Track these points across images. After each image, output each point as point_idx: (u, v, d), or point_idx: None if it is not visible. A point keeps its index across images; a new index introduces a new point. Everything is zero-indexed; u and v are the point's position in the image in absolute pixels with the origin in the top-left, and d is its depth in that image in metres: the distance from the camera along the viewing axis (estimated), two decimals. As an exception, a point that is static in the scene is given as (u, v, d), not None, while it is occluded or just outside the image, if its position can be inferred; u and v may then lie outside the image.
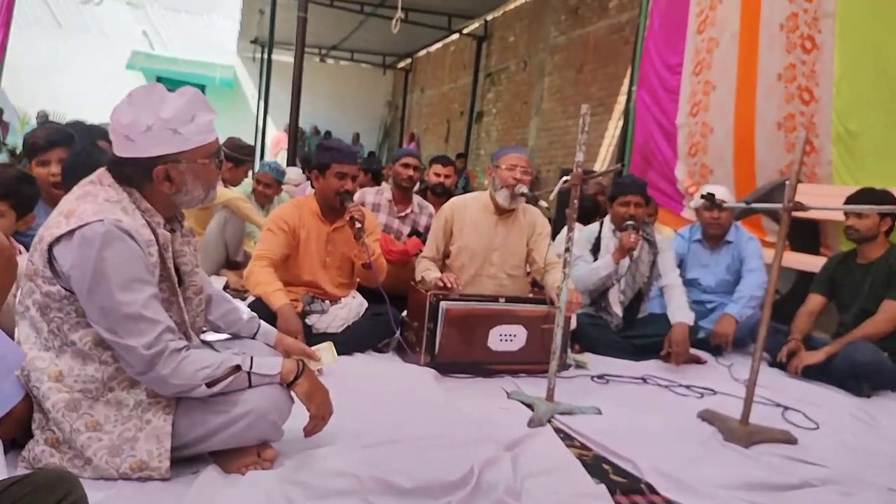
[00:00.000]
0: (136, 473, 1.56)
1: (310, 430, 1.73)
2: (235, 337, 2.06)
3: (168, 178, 1.59)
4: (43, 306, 1.54)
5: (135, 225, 1.54)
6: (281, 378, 1.67)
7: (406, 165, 4.03)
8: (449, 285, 2.90)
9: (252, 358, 1.65)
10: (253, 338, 2.08)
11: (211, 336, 2.03)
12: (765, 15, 4.74)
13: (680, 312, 3.36)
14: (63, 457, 1.54)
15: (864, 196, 3.20)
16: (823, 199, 3.94)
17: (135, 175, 1.59)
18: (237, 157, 4.64)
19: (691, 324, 3.34)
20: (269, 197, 4.88)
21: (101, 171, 1.63)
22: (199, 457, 1.70)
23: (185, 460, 1.66)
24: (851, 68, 4.14)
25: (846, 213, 3.34)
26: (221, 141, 1.83)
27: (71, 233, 1.48)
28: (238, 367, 1.61)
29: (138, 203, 1.60)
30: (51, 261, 1.52)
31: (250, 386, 1.64)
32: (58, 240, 1.49)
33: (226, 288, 4.10)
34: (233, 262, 4.47)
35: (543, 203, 3.05)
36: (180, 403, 1.61)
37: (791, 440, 2.39)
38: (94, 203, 1.52)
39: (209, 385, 1.57)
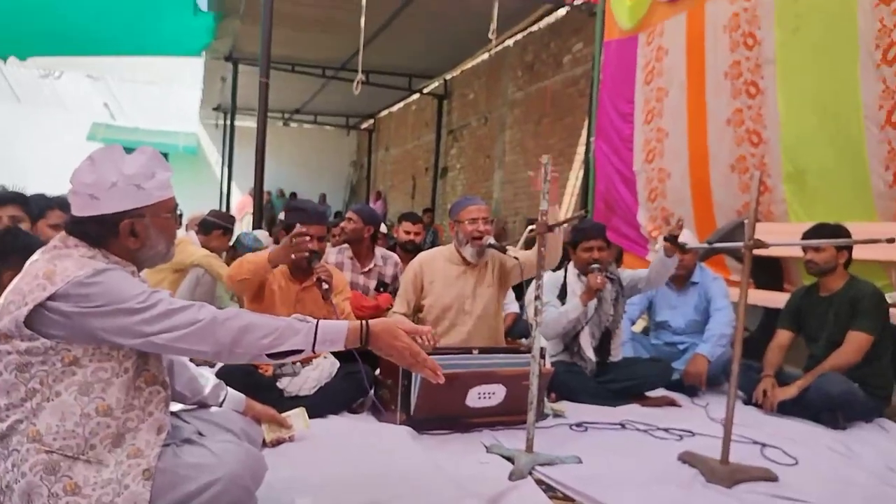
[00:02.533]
0: (110, 540, 1.49)
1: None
2: (201, 406, 2.00)
3: (133, 233, 1.61)
4: (21, 365, 1.51)
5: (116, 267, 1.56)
6: (345, 346, 1.60)
7: (348, 219, 4.09)
8: (425, 343, 2.87)
9: (317, 326, 1.58)
10: (220, 405, 2.03)
11: (175, 406, 1.97)
12: (709, 64, 4.96)
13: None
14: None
15: (820, 231, 3.30)
16: (782, 237, 4.05)
17: (99, 233, 1.60)
18: (225, 224, 4.74)
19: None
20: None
21: (62, 234, 1.63)
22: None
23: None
24: (795, 110, 4.33)
25: (804, 249, 3.42)
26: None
27: (63, 286, 1.48)
28: (299, 349, 1.56)
29: (108, 258, 1.61)
30: (32, 319, 1.49)
31: (314, 355, 1.59)
32: (50, 297, 1.48)
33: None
34: None
35: (511, 252, 3.07)
36: (157, 469, 1.56)
37: (772, 477, 2.39)
38: (71, 260, 1.54)
39: (271, 356, 1.55)
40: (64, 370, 1.52)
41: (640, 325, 4.46)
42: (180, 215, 1.73)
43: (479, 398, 2.80)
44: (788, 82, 4.36)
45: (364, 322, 1.61)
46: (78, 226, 1.61)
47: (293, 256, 2.83)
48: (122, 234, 1.60)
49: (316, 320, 1.59)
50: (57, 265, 1.52)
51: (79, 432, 1.51)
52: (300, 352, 1.58)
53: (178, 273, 4.35)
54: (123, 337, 1.51)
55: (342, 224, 4.16)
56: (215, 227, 4.71)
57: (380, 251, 4.20)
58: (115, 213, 1.59)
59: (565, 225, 5.19)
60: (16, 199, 2.70)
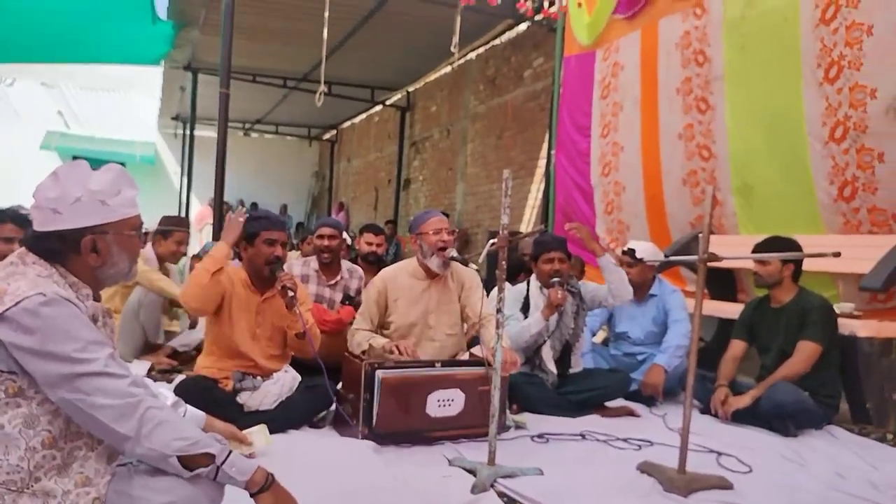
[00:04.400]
0: (59, 574, 1.45)
1: None
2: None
3: (95, 250, 1.58)
4: None
5: (71, 297, 1.51)
6: (246, 486, 1.60)
7: (321, 237, 4.02)
8: (403, 353, 2.89)
9: (230, 453, 1.58)
10: None
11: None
12: (662, 80, 5.10)
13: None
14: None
15: (770, 244, 3.40)
16: (735, 249, 4.17)
17: (60, 249, 1.57)
18: (170, 228, 4.35)
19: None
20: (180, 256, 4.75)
21: (21, 250, 1.59)
22: (125, 554, 1.59)
23: (109, 559, 1.55)
24: (742, 126, 4.48)
25: (753, 262, 3.53)
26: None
27: (8, 309, 1.43)
28: (211, 457, 1.54)
29: (66, 277, 1.57)
30: None
31: (214, 479, 1.56)
32: None
33: (150, 372, 3.93)
34: (152, 346, 4.25)
35: (473, 266, 3.11)
36: (107, 494, 1.52)
37: (727, 485, 2.45)
38: (25, 280, 1.49)
39: (179, 460, 1.50)
40: (7, 401, 1.46)
41: (600, 336, 4.53)
42: (146, 234, 1.70)
43: (439, 405, 2.81)
44: (736, 98, 4.51)
45: (271, 475, 1.62)
46: (38, 241, 1.57)
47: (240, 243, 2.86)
48: (83, 250, 1.57)
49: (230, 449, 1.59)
50: (10, 284, 1.47)
51: (23, 466, 1.46)
52: (206, 466, 1.53)
53: (128, 288, 4.16)
54: (49, 382, 1.44)
55: (326, 243, 4.00)
56: (163, 233, 4.34)
57: (345, 264, 4.19)
58: (77, 229, 1.56)
59: (526, 239, 5.26)
60: (8, 217, 2.61)
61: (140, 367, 3.91)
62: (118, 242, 1.61)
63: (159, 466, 1.54)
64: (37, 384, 1.46)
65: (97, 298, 1.70)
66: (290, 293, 2.81)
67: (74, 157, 14.91)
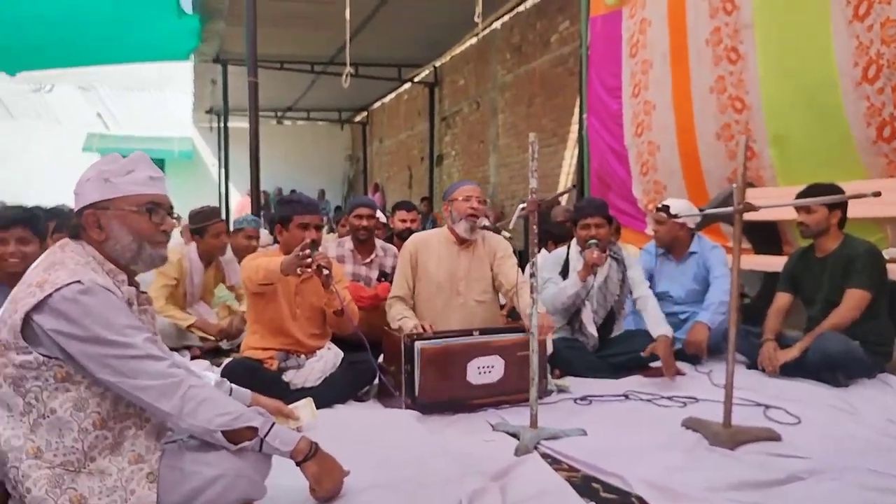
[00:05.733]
0: (121, 546, 1.52)
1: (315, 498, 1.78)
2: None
3: (98, 226, 1.65)
4: (17, 379, 1.53)
5: (108, 284, 1.58)
6: (291, 455, 1.68)
7: (359, 216, 4.06)
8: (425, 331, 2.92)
9: (273, 425, 1.66)
10: None
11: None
12: (691, 32, 4.96)
13: (659, 326, 3.38)
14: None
15: (813, 191, 3.30)
16: (773, 201, 4.05)
17: (76, 228, 1.66)
18: (203, 225, 4.30)
19: (671, 335, 3.37)
20: (253, 250, 4.76)
21: (63, 240, 1.68)
22: (182, 526, 1.66)
23: (169, 531, 1.62)
24: (775, 73, 4.33)
25: (797, 211, 3.43)
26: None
27: (49, 296, 1.50)
28: (255, 430, 1.63)
29: (103, 265, 1.64)
30: (24, 330, 1.52)
31: (259, 451, 1.65)
32: (37, 307, 1.50)
33: (194, 359, 4.02)
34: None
35: (506, 233, 3.10)
36: (159, 470, 1.59)
37: (775, 437, 2.42)
38: (64, 269, 1.56)
39: (224, 434, 1.59)
40: (57, 386, 1.53)
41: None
42: (177, 217, 1.75)
43: (480, 373, 2.83)
44: (767, 46, 4.36)
45: (315, 444, 1.72)
46: (69, 225, 1.69)
47: (298, 272, 2.78)
48: (85, 224, 1.64)
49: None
50: (50, 275, 1.54)
51: (78, 447, 1.54)
52: (250, 439, 1.62)
53: (169, 288, 4.16)
54: (92, 365, 1.52)
55: (364, 223, 4.04)
56: (206, 227, 4.28)
57: (379, 243, 4.23)
58: (84, 206, 1.65)
59: (561, 201, 5.20)
60: (24, 219, 2.70)
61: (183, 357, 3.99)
62: (118, 217, 1.65)
63: (206, 440, 1.60)
64: (83, 368, 1.53)
65: (137, 286, 1.76)
66: (326, 272, 2.85)
67: (115, 157, 15.31)
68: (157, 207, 1.70)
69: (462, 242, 3.28)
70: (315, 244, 2.97)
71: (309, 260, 2.71)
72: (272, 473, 1.74)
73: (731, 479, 2.02)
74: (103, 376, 1.53)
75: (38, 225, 2.72)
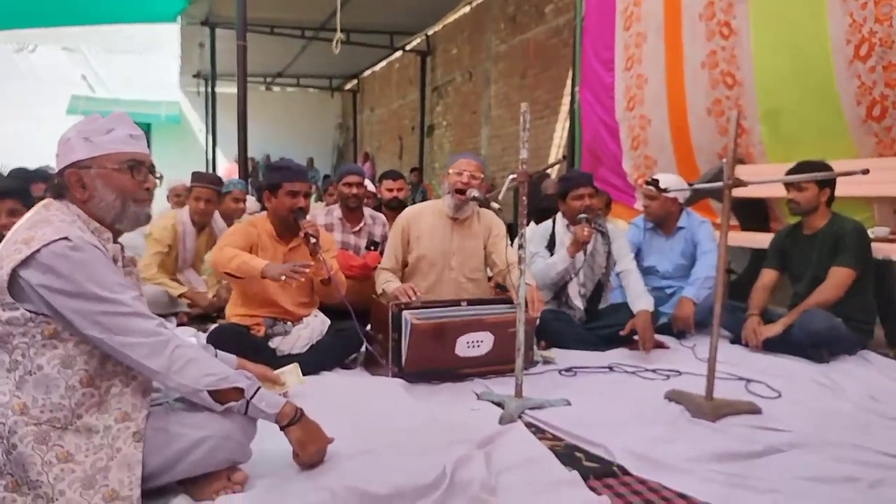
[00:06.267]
0: (105, 505, 1.53)
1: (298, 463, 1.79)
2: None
3: (82, 185, 1.63)
4: (4, 335, 1.52)
5: (94, 241, 1.57)
6: (276, 419, 1.69)
7: (348, 185, 4.03)
8: (407, 299, 2.91)
9: (259, 388, 1.68)
10: None
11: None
12: (685, 6, 4.92)
13: (640, 300, 3.41)
14: (25, 500, 1.50)
15: (803, 169, 3.30)
16: (763, 177, 4.06)
17: (59, 188, 1.65)
18: (193, 185, 4.31)
19: (652, 310, 3.40)
20: (241, 212, 4.79)
21: (46, 200, 1.66)
22: (168, 488, 1.67)
23: (153, 492, 1.63)
24: (768, 49, 4.31)
25: (787, 189, 3.44)
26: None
27: (37, 252, 1.49)
28: (241, 392, 1.64)
29: (88, 223, 1.63)
30: (11, 286, 1.51)
31: (245, 413, 1.66)
32: (24, 262, 1.49)
33: (181, 325, 4.03)
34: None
35: (495, 205, 3.07)
36: (146, 430, 1.59)
37: (756, 410, 2.45)
38: (50, 226, 1.54)
39: (210, 395, 1.61)
40: (45, 343, 1.53)
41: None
42: (160, 177, 1.72)
43: (468, 347, 2.83)
44: (761, 21, 4.33)
45: (300, 409, 1.74)
46: (51, 185, 1.67)
47: (283, 279, 2.68)
48: (68, 184, 1.63)
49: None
50: (36, 232, 1.53)
51: (65, 404, 1.54)
52: (236, 400, 1.64)
53: (161, 255, 4.21)
54: (81, 321, 1.51)
55: (354, 191, 4.01)
56: (192, 188, 4.31)
57: (367, 211, 4.21)
58: (66, 165, 1.63)
59: (551, 173, 5.18)
60: (15, 192, 2.68)
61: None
62: (101, 176, 1.64)
63: (192, 400, 1.60)
64: (71, 326, 1.52)
65: (122, 246, 1.75)
66: (314, 240, 2.84)
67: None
68: (139, 165, 1.68)
69: (455, 218, 3.26)
70: (302, 212, 2.95)
71: (299, 273, 2.67)
72: (256, 437, 1.75)
73: (712, 451, 2.05)
74: (91, 333, 1.52)
75: (29, 197, 2.69)
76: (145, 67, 17.97)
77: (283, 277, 2.64)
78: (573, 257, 3.46)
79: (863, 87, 3.73)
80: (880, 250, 3.41)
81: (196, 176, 4.42)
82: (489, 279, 3.55)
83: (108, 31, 14.91)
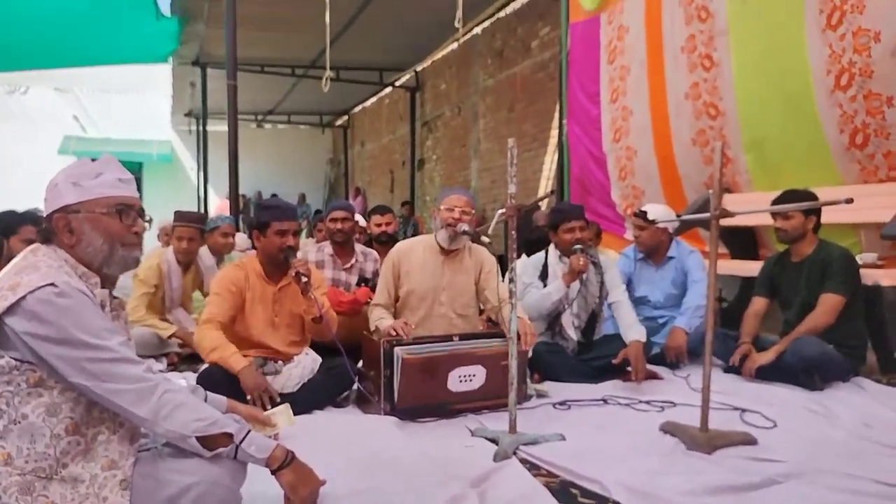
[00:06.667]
0: (93, 556, 1.49)
1: None
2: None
3: (69, 230, 1.63)
4: None
5: (81, 287, 1.56)
6: (266, 463, 1.66)
7: (334, 220, 4.05)
8: (401, 334, 2.89)
9: (249, 432, 1.65)
10: None
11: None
12: (666, 39, 5.02)
13: (632, 330, 3.41)
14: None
15: (787, 197, 3.33)
16: (749, 206, 4.11)
17: (47, 232, 1.64)
18: (176, 224, 4.27)
19: (644, 340, 3.40)
20: (230, 247, 4.78)
21: (34, 245, 1.65)
22: (156, 536, 1.64)
23: (141, 541, 1.59)
24: (748, 80, 4.40)
25: (774, 217, 3.47)
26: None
27: (23, 299, 1.47)
28: (230, 437, 1.61)
29: (75, 268, 1.62)
30: None
31: (234, 458, 1.63)
32: (9, 309, 1.47)
33: (171, 365, 4.00)
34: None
35: (485, 239, 3.08)
36: (133, 477, 1.57)
37: (751, 441, 2.44)
38: (37, 272, 1.53)
39: (199, 440, 1.57)
40: (30, 391, 1.51)
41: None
42: (149, 220, 1.73)
43: (461, 381, 2.82)
44: (741, 52, 4.43)
45: (291, 452, 1.70)
46: (39, 230, 1.67)
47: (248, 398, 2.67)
48: (56, 229, 1.62)
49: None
50: (22, 278, 1.51)
51: (50, 453, 1.51)
52: (226, 445, 1.60)
53: (149, 296, 4.18)
54: (66, 368, 1.49)
55: (339, 225, 4.04)
56: (175, 227, 4.27)
57: (359, 247, 4.22)
58: (54, 210, 1.62)
59: (542, 206, 5.22)
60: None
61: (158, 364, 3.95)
62: (89, 220, 1.63)
63: (180, 446, 1.58)
64: (56, 373, 1.50)
65: (111, 290, 1.74)
66: (304, 279, 2.84)
67: (93, 160, 15.14)
68: (128, 209, 1.68)
69: (447, 252, 3.26)
70: (292, 250, 2.95)
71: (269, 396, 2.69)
72: (246, 481, 1.72)
73: (709, 483, 2.04)
74: (77, 380, 1.50)
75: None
76: (137, 107, 18.11)
77: (249, 398, 2.65)
78: (569, 286, 3.47)
79: (845, 116, 3.80)
80: (869, 276, 3.44)
81: (178, 215, 4.34)
82: (480, 313, 3.54)
83: (100, 71, 15.05)
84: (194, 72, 12.16)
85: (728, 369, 3.50)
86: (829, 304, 3.26)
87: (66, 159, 15.93)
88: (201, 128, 13.61)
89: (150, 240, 4.61)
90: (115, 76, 16.22)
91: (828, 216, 3.48)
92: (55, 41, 8.75)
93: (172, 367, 4.00)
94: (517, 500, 1.92)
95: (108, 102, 18.12)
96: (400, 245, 3.41)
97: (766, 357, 3.29)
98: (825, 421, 2.73)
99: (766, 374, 3.29)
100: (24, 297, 1.47)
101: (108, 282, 1.71)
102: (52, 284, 1.50)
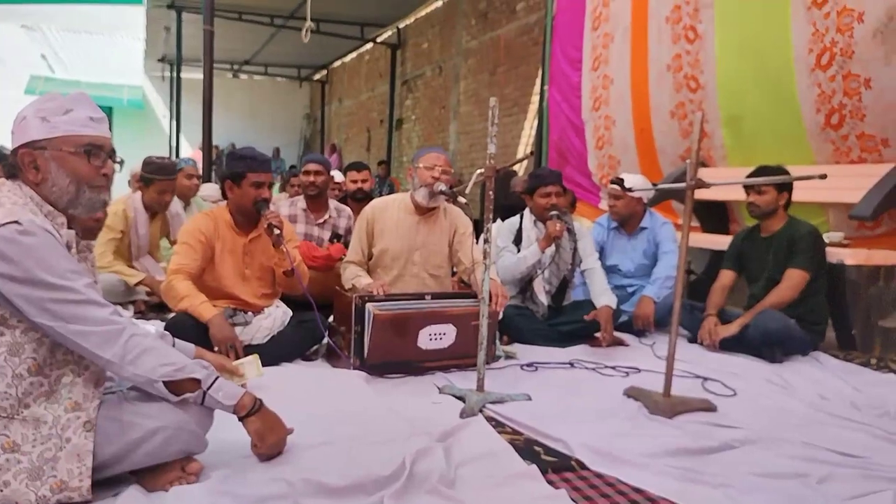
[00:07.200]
0: (55, 496, 1.48)
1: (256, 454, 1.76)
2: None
3: (35, 167, 1.58)
4: None
5: (47, 226, 1.52)
6: (234, 410, 1.66)
7: (307, 172, 4.00)
8: (378, 294, 2.89)
9: (216, 378, 1.64)
10: None
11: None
12: (652, 9, 4.99)
13: (603, 297, 3.46)
14: (-32, 491, 1.45)
15: (763, 173, 3.37)
16: (723, 180, 4.14)
17: (12, 168, 1.59)
18: (152, 177, 4.10)
19: (614, 307, 3.45)
20: (195, 189, 4.75)
21: (0, 179, 1.60)
22: (120, 478, 1.63)
23: (105, 482, 1.59)
24: (731, 55, 4.40)
25: (747, 192, 3.51)
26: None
27: None
28: (198, 382, 1.60)
29: (41, 206, 1.57)
30: None
31: (202, 404, 1.62)
32: None
33: (139, 313, 3.95)
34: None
35: (462, 199, 3.07)
36: (97, 419, 1.55)
37: (711, 408, 2.50)
38: (1, 208, 1.49)
39: (166, 385, 1.57)
40: None
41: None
42: (120, 162, 1.67)
43: (431, 339, 2.83)
44: (725, 27, 4.42)
45: (259, 400, 1.71)
46: (5, 165, 1.61)
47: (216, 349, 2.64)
48: (23, 165, 1.57)
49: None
50: None
51: (11, 393, 1.49)
52: (193, 391, 1.60)
53: (116, 242, 4.07)
54: (30, 308, 1.46)
55: (311, 178, 3.98)
56: (153, 181, 4.10)
57: (332, 203, 4.17)
58: (20, 145, 1.57)
59: (519, 170, 5.19)
60: None
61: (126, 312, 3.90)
62: (56, 159, 1.58)
63: (147, 390, 1.57)
64: (19, 312, 1.47)
65: (78, 231, 1.70)
66: (277, 231, 2.80)
67: (61, 102, 14.71)
68: (98, 150, 1.62)
69: (422, 212, 3.24)
70: (266, 202, 2.91)
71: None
72: (213, 427, 1.72)
73: (669, 447, 2.09)
74: (41, 320, 1.48)
75: None
76: (108, 49, 17.58)
77: (216, 349, 2.63)
78: (544, 252, 3.48)
79: (822, 96, 3.83)
80: (834, 254, 3.51)
81: (156, 167, 4.13)
82: (453, 275, 3.55)
83: (70, 10, 14.50)
84: (169, 15, 11.81)
85: (693, 339, 3.57)
86: (793, 280, 3.33)
87: (32, 99, 15.45)
88: (175, 74, 13.26)
89: (121, 185, 4.52)
90: (87, 15, 15.64)
91: (798, 195, 3.53)
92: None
93: (140, 314, 3.95)
94: (482, 455, 1.94)
95: (79, 43, 17.55)
96: (374, 202, 3.37)
97: (730, 329, 3.36)
98: (783, 392, 2.80)
99: (728, 346, 3.36)
100: None
101: (77, 224, 1.67)
102: (16, 222, 1.46)
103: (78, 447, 1.51)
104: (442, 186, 3.10)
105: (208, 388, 1.62)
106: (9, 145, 1.65)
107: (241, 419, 1.69)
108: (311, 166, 4.00)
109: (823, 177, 2.21)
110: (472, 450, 1.98)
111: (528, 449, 2.07)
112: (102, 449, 1.54)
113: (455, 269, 3.47)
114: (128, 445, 1.56)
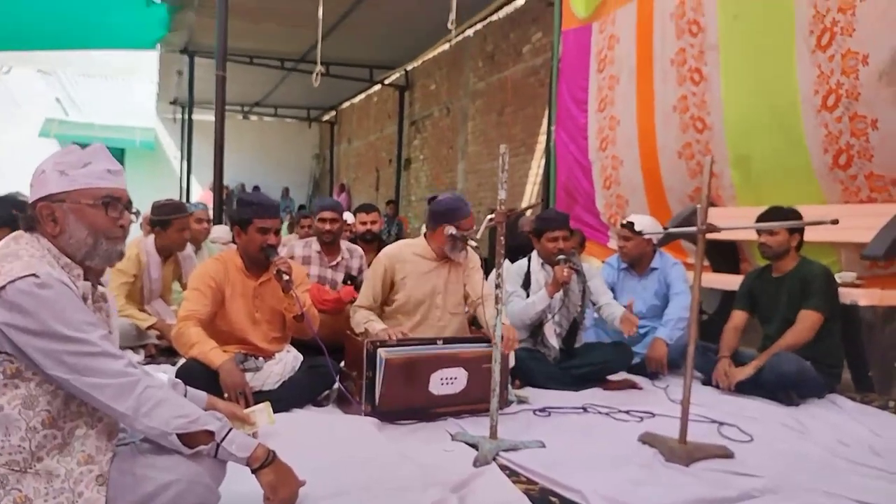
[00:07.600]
0: (66, 552, 1.47)
1: None
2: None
3: (53, 219, 1.59)
4: None
5: (63, 278, 1.52)
6: (247, 462, 1.64)
7: (322, 220, 4.03)
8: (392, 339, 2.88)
9: (230, 430, 1.62)
10: None
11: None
12: (657, 51, 5.05)
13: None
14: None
15: (773, 214, 3.38)
16: (734, 221, 4.14)
17: (30, 221, 1.61)
18: (168, 218, 4.13)
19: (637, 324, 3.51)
20: (206, 233, 4.78)
21: (17, 232, 1.61)
22: (131, 532, 1.61)
23: (116, 537, 1.57)
24: (736, 96, 4.44)
25: (759, 232, 3.51)
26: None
27: (3, 288, 1.44)
28: (211, 434, 1.59)
29: (58, 259, 1.58)
30: None
31: (215, 456, 1.60)
32: None
33: (149, 357, 3.95)
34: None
35: (473, 243, 3.09)
36: (110, 472, 1.54)
37: (728, 454, 2.46)
38: (19, 261, 1.50)
39: (179, 437, 1.54)
40: (6, 382, 1.48)
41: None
42: (136, 213, 1.70)
43: (442, 384, 2.81)
44: (730, 68, 4.46)
45: (272, 451, 1.68)
46: (23, 217, 1.62)
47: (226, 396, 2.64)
48: (39, 218, 1.59)
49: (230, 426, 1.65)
50: (4, 267, 1.48)
51: (25, 446, 1.48)
52: (206, 443, 1.58)
53: (129, 286, 4.08)
54: (46, 361, 1.46)
55: (327, 227, 4.01)
56: (171, 221, 4.10)
57: (344, 244, 4.20)
58: (39, 198, 1.59)
59: (528, 213, 5.23)
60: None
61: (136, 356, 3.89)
62: (74, 211, 1.60)
63: (160, 443, 1.55)
64: (34, 365, 1.48)
65: (95, 282, 1.71)
66: (286, 277, 2.81)
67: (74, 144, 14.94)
68: (115, 201, 1.64)
69: (440, 257, 3.24)
70: (273, 248, 2.92)
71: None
72: (225, 479, 1.70)
73: (686, 496, 2.05)
74: (56, 373, 1.47)
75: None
76: (121, 92, 17.90)
77: (226, 396, 2.62)
78: (552, 297, 3.47)
79: (830, 136, 3.85)
80: (847, 295, 3.48)
81: (170, 208, 4.16)
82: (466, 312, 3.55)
83: (85, 55, 14.82)
84: (182, 60, 12.04)
85: (706, 382, 3.53)
86: (808, 321, 3.30)
87: (47, 142, 15.70)
88: (186, 116, 13.47)
89: (134, 229, 4.55)
90: (101, 60, 15.97)
91: (810, 234, 3.52)
92: (42, 22, 8.62)
93: (150, 358, 3.95)
94: (497, 506, 1.92)
95: (92, 86, 17.88)
96: (389, 251, 3.32)
97: (744, 372, 3.33)
98: (801, 437, 2.76)
99: (744, 389, 3.32)
100: (4, 287, 1.44)
101: (92, 273, 1.68)
102: (33, 275, 1.47)
103: (90, 501, 1.49)
104: (451, 231, 3.11)
105: (222, 441, 1.60)
106: (23, 189, 1.67)
107: (253, 472, 1.67)
108: (327, 214, 4.03)
109: (835, 222, 2.21)
110: (486, 500, 1.95)
111: (543, 499, 2.04)
112: (115, 503, 1.53)
113: (466, 307, 3.46)
114: (141, 499, 1.54)
